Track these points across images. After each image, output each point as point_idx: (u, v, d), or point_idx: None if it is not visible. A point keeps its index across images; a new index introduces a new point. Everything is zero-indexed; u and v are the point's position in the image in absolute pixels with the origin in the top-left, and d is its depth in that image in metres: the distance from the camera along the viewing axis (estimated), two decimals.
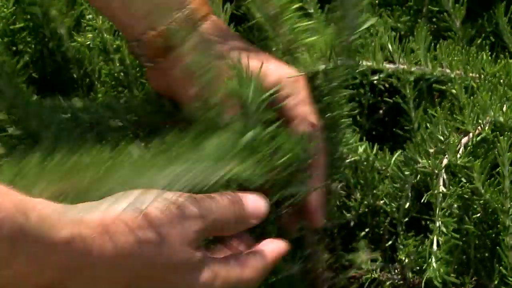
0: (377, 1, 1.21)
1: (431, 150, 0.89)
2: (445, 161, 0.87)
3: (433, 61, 0.96)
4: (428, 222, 0.89)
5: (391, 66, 0.99)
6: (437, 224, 0.86)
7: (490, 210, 0.88)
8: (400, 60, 0.99)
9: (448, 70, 0.95)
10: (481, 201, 0.87)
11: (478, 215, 0.89)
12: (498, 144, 0.83)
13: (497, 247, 0.85)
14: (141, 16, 1.07)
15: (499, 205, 0.84)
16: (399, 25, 1.17)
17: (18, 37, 1.17)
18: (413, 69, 0.98)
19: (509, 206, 0.84)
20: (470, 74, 0.94)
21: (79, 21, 1.14)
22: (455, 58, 0.94)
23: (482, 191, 0.85)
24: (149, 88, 1.15)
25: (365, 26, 0.91)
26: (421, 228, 0.95)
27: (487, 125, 0.87)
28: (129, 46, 1.07)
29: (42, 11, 1.09)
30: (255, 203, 0.95)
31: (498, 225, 0.88)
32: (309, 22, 0.98)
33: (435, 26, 1.13)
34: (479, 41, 1.08)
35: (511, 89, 0.91)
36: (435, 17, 1.14)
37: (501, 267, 0.85)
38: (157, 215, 0.88)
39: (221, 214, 0.90)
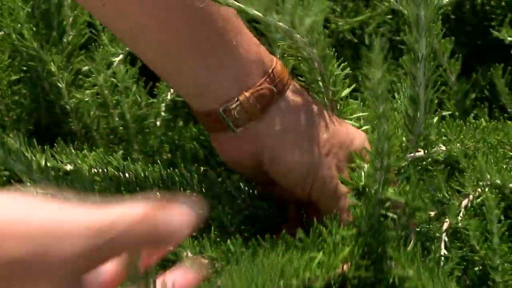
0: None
1: (432, 214, 0.89)
2: (446, 225, 0.87)
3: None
4: None
5: None
6: None
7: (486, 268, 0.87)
8: None
9: (458, 145, 0.94)
10: (478, 259, 0.88)
11: (477, 274, 0.90)
12: (486, 202, 0.83)
13: None
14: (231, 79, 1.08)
15: (489, 262, 0.84)
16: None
17: (14, 89, 1.14)
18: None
19: (498, 262, 0.84)
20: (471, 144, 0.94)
21: (76, 74, 1.14)
22: (460, 135, 0.93)
23: (477, 248, 0.85)
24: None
25: None
26: None
27: (486, 187, 0.87)
28: (205, 114, 1.06)
29: (42, 66, 1.08)
30: None
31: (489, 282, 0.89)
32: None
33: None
34: (473, 96, 1.09)
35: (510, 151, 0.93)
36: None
37: None
38: None
39: None
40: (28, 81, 1.13)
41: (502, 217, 0.85)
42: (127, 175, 1.06)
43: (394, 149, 0.83)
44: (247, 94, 0.99)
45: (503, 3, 1.10)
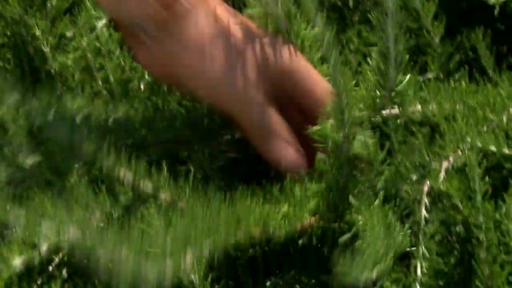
0: (357, 19, 1.18)
1: (413, 177, 0.88)
2: (426, 188, 0.85)
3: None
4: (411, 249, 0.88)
5: None
6: (421, 250, 0.84)
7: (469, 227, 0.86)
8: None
9: (434, 107, 0.94)
10: (461, 219, 0.85)
11: (460, 234, 0.87)
12: (468, 161, 0.82)
13: (473, 263, 0.83)
14: None
15: (473, 220, 0.82)
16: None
17: None
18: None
19: (481, 220, 0.82)
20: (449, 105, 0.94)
21: (60, 38, 1.11)
22: (437, 97, 0.93)
23: (461, 207, 0.83)
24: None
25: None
26: (404, 256, 0.88)
27: (467, 150, 0.86)
28: (120, 25, 1.04)
29: (26, 31, 1.07)
30: None
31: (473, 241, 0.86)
32: None
33: (415, 42, 1.10)
34: (458, 58, 1.07)
35: (492, 112, 0.91)
36: (414, 33, 1.11)
37: (477, 282, 0.82)
38: None
39: None
40: (12, 46, 1.12)
41: (487, 177, 0.82)
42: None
43: (352, 102, 0.83)
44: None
45: None
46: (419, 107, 0.91)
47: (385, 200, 0.85)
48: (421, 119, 0.91)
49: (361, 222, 0.79)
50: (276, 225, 0.80)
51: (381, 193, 0.86)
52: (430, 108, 0.92)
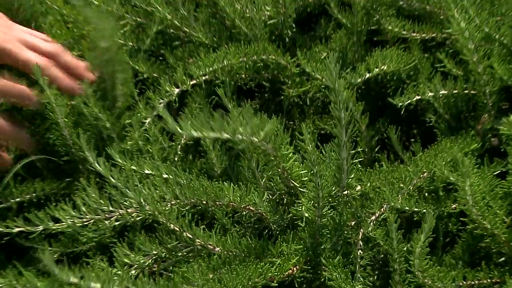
0: (312, 111, 1.13)
1: (352, 223, 0.90)
2: (361, 233, 0.87)
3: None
4: None
5: None
6: (357, 277, 0.85)
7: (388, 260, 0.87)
8: None
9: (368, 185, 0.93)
10: (382, 254, 0.88)
11: (382, 264, 0.90)
12: (388, 218, 0.83)
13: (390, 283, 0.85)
14: None
15: (391, 256, 0.84)
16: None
17: None
18: None
19: (396, 256, 0.83)
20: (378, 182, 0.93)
21: (123, 128, 1.06)
22: (370, 178, 0.93)
23: (383, 246, 0.86)
24: None
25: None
26: None
27: (388, 209, 0.89)
28: None
29: (100, 123, 1.03)
30: None
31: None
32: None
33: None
34: (377, 137, 1.06)
35: (403, 184, 0.91)
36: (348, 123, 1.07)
37: None
38: None
39: None
40: (90, 135, 1.05)
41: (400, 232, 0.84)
42: None
43: (326, 192, 0.82)
44: None
45: (395, 78, 1.08)
46: (359, 187, 0.91)
47: (335, 248, 0.86)
48: (361, 193, 0.91)
49: (326, 273, 0.81)
50: (272, 274, 0.81)
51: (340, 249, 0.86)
52: (367, 185, 0.92)
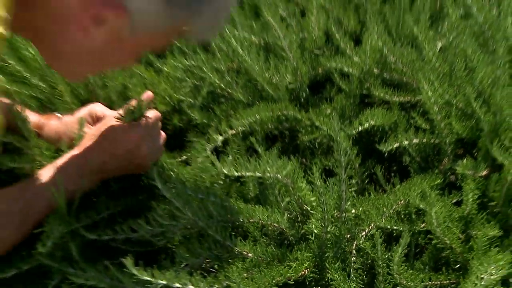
0: (319, 152, 1.07)
1: (348, 236, 0.87)
2: (354, 244, 0.85)
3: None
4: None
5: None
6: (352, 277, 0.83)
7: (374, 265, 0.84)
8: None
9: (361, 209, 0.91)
10: (369, 261, 0.86)
11: (369, 268, 0.87)
12: (375, 236, 0.81)
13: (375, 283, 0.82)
14: None
15: (376, 262, 0.82)
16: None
17: None
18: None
19: (380, 262, 0.81)
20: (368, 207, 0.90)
21: None
22: (363, 204, 0.92)
23: (370, 254, 0.84)
24: None
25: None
26: None
27: (374, 229, 0.87)
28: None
29: None
30: None
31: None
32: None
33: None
34: (367, 174, 1.03)
35: (386, 208, 0.90)
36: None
37: None
38: None
39: None
40: None
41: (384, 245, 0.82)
42: None
43: (330, 214, 0.82)
44: None
45: (380, 130, 1.05)
46: (353, 210, 0.89)
47: (336, 256, 0.84)
48: (355, 215, 0.89)
49: (329, 275, 0.81)
50: (290, 274, 0.80)
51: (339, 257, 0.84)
52: (359, 209, 0.90)
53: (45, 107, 1.08)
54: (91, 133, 0.90)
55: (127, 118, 0.89)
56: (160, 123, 0.95)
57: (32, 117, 0.97)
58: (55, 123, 0.98)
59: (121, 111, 0.90)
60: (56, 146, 0.96)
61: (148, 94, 0.96)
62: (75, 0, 0.64)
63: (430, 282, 0.83)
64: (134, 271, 0.73)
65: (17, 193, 0.83)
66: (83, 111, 0.99)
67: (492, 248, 0.80)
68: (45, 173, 0.85)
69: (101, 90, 1.09)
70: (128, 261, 0.72)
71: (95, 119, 0.97)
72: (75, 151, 0.88)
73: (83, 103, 1.07)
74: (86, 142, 0.89)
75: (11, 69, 1.11)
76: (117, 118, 0.90)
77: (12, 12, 0.61)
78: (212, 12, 0.71)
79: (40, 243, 0.80)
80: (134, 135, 0.88)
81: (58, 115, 1.02)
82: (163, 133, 0.96)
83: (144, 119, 0.90)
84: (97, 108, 0.98)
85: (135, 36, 0.68)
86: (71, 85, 1.08)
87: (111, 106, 1.04)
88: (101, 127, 0.90)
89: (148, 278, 0.74)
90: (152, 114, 0.92)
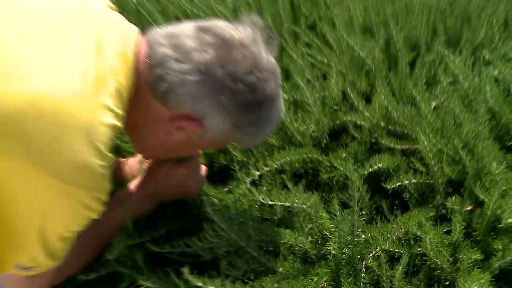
0: (336, 187, 1.05)
1: (359, 257, 0.85)
2: (364, 263, 0.84)
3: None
4: None
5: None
6: None
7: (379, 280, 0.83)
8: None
9: (369, 235, 0.88)
10: (375, 277, 0.84)
11: (376, 282, 0.84)
12: (380, 257, 0.81)
13: None
14: None
15: (381, 278, 0.81)
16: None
17: None
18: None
19: (384, 278, 0.80)
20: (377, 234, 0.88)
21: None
22: (371, 230, 0.89)
23: (376, 271, 0.83)
24: None
25: None
26: None
27: (380, 251, 0.86)
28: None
29: None
30: None
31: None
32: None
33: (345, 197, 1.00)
34: (374, 206, 1.00)
35: (389, 234, 0.88)
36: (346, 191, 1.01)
37: None
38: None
39: None
40: None
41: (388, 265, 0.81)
42: None
43: (345, 239, 0.82)
44: None
45: (386, 171, 1.02)
46: (363, 236, 0.87)
47: (349, 272, 0.82)
48: (364, 239, 0.87)
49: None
50: (311, 287, 0.80)
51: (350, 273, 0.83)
52: (368, 235, 0.88)
53: (116, 151, 1.11)
54: (149, 168, 0.94)
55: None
56: (200, 159, 0.97)
57: None
58: (123, 165, 1.04)
59: None
60: (124, 180, 1.00)
61: None
62: (166, 114, 0.71)
63: None
64: (190, 278, 0.74)
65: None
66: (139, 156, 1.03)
67: (475, 269, 0.79)
68: (115, 200, 0.87)
69: None
70: (185, 270, 0.74)
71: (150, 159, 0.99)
72: (137, 182, 0.92)
73: None
74: (146, 175, 0.93)
75: None
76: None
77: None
78: (263, 136, 0.78)
79: (108, 252, 0.83)
80: (181, 169, 0.91)
81: (124, 159, 1.06)
82: (203, 167, 0.98)
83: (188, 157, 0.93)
84: None
85: (201, 140, 0.75)
86: None
87: None
88: (157, 163, 0.93)
89: (200, 284, 0.75)
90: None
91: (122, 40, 0.69)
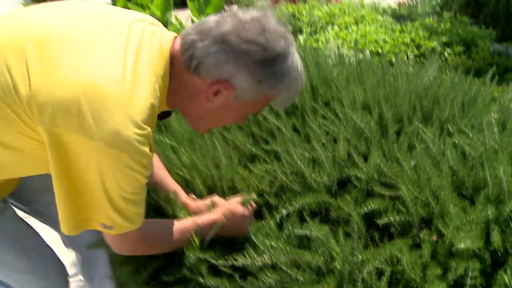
0: (341, 220, 1.10)
1: (357, 271, 0.92)
2: (360, 277, 0.91)
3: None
4: None
5: None
6: None
7: None
8: None
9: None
10: None
11: None
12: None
13: None
14: None
15: (371, 282, 0.87)
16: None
17: None
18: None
19: (373, 283, 0.87)
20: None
21: None
22: (366, 254, 0.94)
23: (370, 283, 0.89)
24: None
25: None
26: None
27: (372, 267, 0.93)
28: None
29: None
30: None
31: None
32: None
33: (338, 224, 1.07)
34: (370, 236, 1.08)
35: (378, 255, 0.96)
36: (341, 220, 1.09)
37: None
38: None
39: None
40: None
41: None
42: None
43: (347, 258, 0.91)
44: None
45: (381, 210, 1.09)
46: (360, 257, 0.95)
47: (350, 283, 0.89)
48: (361, 260, 0.93)
49: None
50: None
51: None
52: (364, 257, 0.96)
53: (187, 188, 1.20)
54: (219, 209, 1.05)
55: (242, 203, 1.08)
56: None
57: (181, 192, 1.12)
58: (193, 204, 1.12)
59: (236, 199, 1.09)
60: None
61: (251, 194, 1.11)
62: (202, 84, 0.75)
63: None
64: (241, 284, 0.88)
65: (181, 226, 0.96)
66: (208, 200, 1.12)
67: (437, 280, 0.92)
68: (189, 223, 0.99)
69: (218, 182, 1.22)
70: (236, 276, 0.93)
71: (215, 206, 1.10)
72: (208, 217, 1.03)
73: (210, 191, 1.21)
74: (216, 213, 1.04)
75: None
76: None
77: (166, 101, 0.74)
78: (287, 91, 0.80)
79: (183, 262, 0.97)
80: (243, 213, 1.05)
81: (194, 196, 1.16)
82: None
83: (248, 205, 1.07)
84: (216, 198, 1.14)
85: (237, 103, 0.78)
86: (203, 177, 1.21)
87: (224, 196, 1.16)
88: (226, 205, 1.06)
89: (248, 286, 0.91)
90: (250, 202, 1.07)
91: (160, 38, 0.76)
